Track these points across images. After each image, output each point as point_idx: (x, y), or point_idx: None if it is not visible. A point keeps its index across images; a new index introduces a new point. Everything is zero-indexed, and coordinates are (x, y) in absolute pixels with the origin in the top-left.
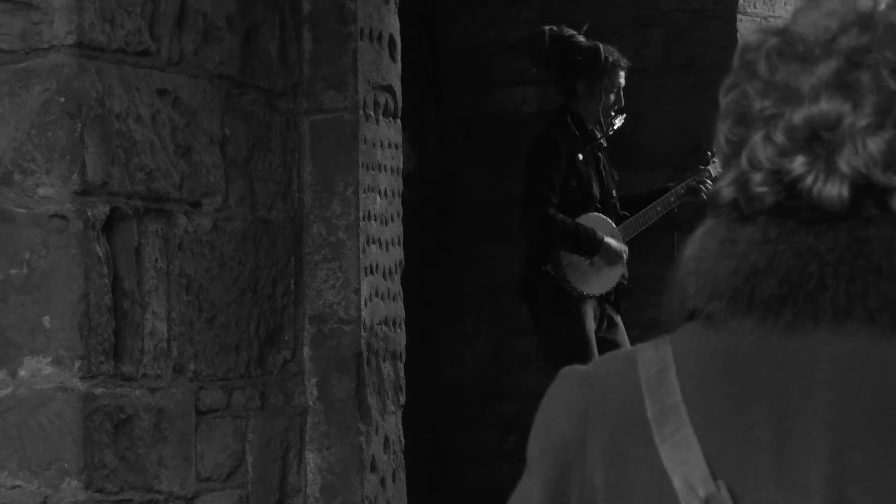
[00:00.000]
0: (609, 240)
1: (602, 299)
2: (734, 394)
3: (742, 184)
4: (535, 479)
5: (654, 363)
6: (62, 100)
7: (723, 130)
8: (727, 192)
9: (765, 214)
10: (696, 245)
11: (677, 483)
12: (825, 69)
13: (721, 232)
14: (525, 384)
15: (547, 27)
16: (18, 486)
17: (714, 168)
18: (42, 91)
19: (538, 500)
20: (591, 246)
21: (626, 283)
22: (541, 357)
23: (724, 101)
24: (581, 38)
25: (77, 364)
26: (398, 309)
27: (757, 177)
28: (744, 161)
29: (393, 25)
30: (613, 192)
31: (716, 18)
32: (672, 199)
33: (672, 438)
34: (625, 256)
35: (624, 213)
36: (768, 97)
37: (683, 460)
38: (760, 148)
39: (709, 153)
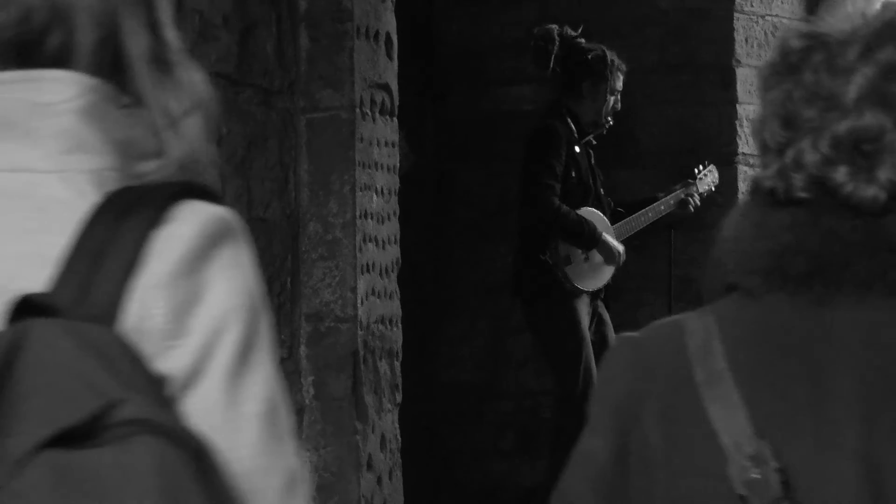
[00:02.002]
0: (607, 237)
1: (593, 296)
2: (773, 361)
3: (784, 179)
4: (600, 437)
5: (700, 332)
6: None
7: (770, 129)
8: (769, 182)
9: (795, 204)
10: (733, 226)
11: (726, 441)
12: (861, 78)
13: (756, 215)
14: (522, 383)
15: (554, 27)
16: None
17: (702, 183)
18: None
19: (605, 457)
20: (590, 241)
21: (611, 283)
22: (538, 356)
23: (767, 96)
24: (583, 41)
25: None
26: (395, 307)
27: (799, 176)
28: (789, 160)
29: (390, 23)
30: (602, 190)
31: (713, 17)
32: (662, 207)
33: (720, 402)
34: (620, 257)
35: (619, 210)
36: (813, 106)
37: (731, 421)
38: (807, 155)
39: (696, 169)
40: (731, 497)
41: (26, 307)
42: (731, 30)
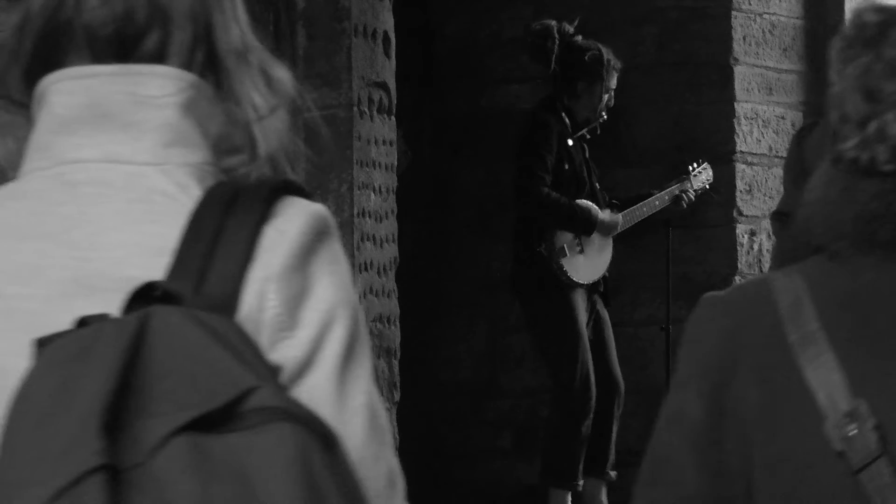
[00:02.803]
0: (602, 214)
1: (591, 290)
2: (864, 322)
3: (868, 150)
4: (692, 394)
5: (790, 293)
6: None
7: (852, 102)
8: (851, 153)
9: (880, 174)
10: (819, 192)
11: (822, 399)
12: None
13: (841, 182)
14: (520, 382)
15: (552, 23)
16: None
17: (696, 180)
18: None
19: (699, 414)
20: (586, 223)
21: (608, 274)
22: (536, 354)
23: (845, 70)
24: (579, 37)
25: None
26: (393, 306)
27: (882, 148)
28: (871, 132)
29: (387, 22)
30: (597, 184)
31: (711, 15)
32: (657, 202)
33: (815, 361)
34: (618, 227)
35: (614, 203)
36: (893, 80)
37: (826, 380)
38: (891, 126)
39: (690, 166)
40: (829, 454)
41: (147, 294)
42: (729, 28)
